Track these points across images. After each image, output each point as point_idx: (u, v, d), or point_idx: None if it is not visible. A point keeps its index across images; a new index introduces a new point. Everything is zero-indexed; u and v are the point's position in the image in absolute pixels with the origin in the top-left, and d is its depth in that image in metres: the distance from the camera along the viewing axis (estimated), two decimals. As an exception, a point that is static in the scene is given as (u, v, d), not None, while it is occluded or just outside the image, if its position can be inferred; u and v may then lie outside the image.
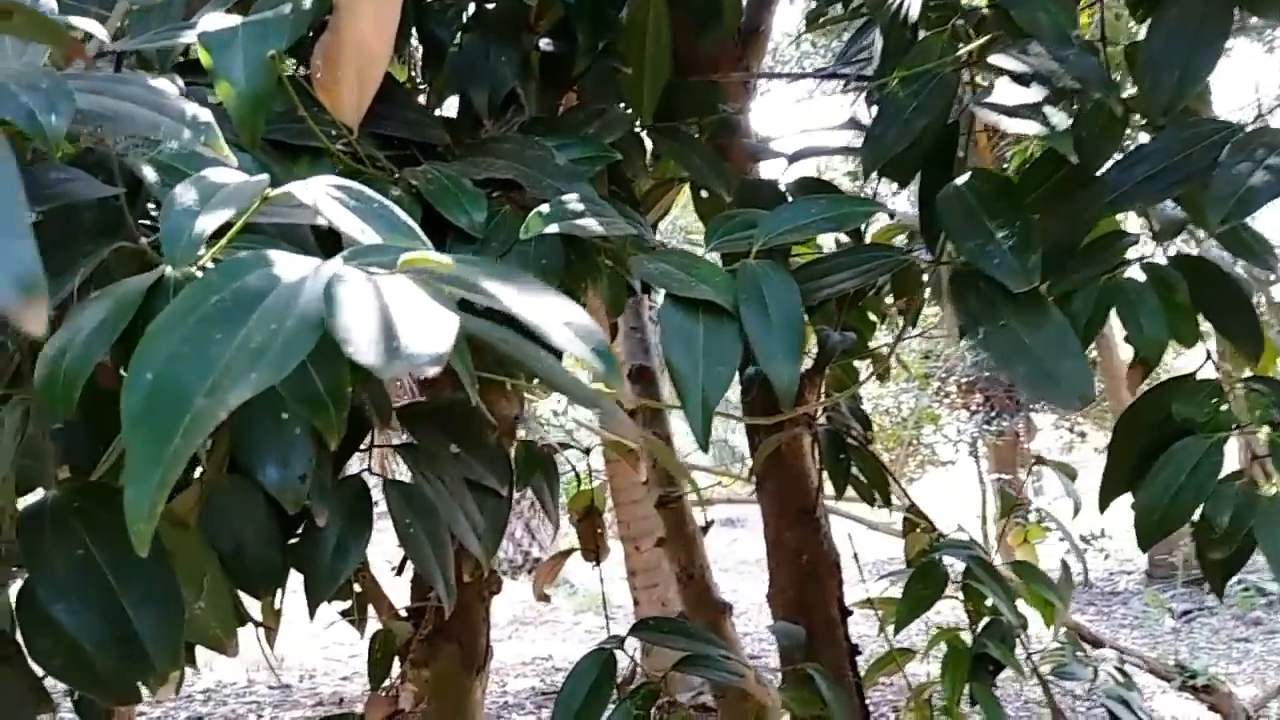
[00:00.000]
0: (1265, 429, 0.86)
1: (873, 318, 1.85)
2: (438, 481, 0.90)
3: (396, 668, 1.33)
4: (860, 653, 1.57)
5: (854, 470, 1.55)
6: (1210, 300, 0.94)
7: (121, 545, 0.55)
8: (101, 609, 0.54)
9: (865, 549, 1.78)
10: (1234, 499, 0.83)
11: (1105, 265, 0.94)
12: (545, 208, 0.74)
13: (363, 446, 0.92)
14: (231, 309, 0.28)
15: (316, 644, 11.76)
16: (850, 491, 1.66)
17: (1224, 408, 0.89)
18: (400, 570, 1.18)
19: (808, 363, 1.71)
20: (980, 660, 1.44)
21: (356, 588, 1.29)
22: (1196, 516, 0.86)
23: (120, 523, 0.58)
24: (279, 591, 1.29)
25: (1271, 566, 0.81)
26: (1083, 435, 14.66)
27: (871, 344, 1.91)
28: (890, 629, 1.60)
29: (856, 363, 1.95)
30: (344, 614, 1.25)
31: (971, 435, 11.95)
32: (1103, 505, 0.99)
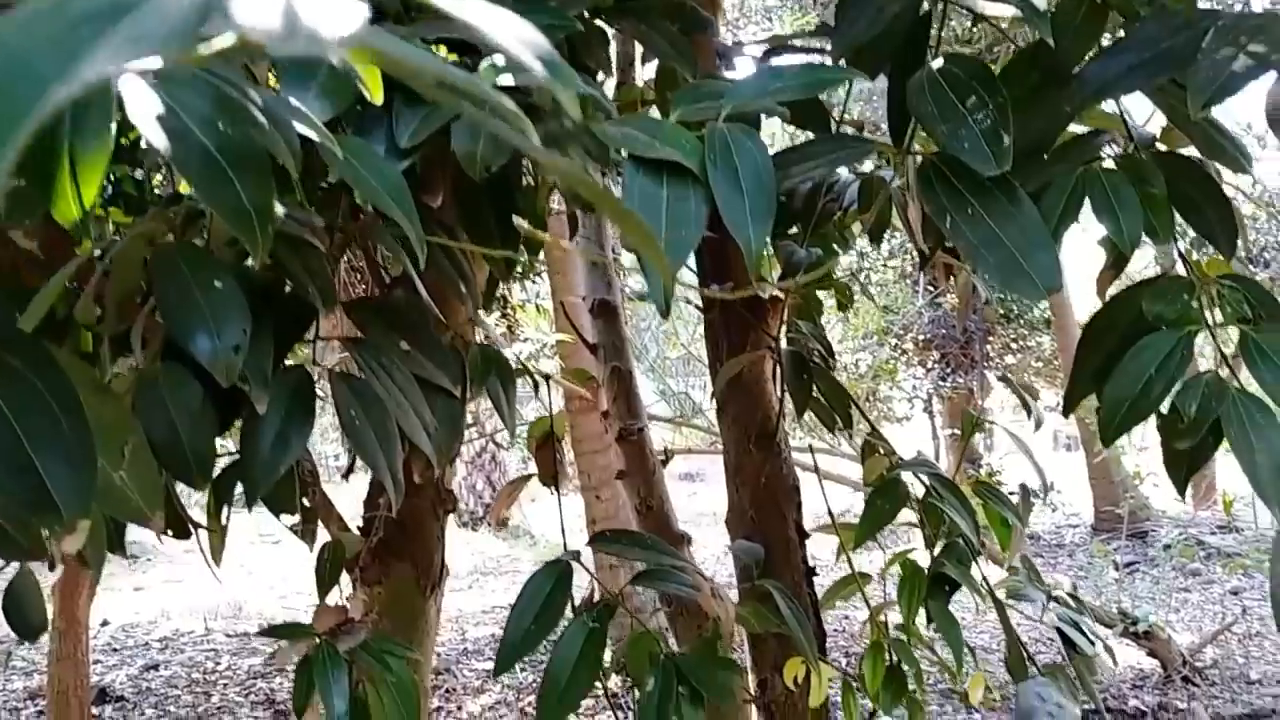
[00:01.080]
0: (1236, 326, 0.85)
1: (836, 249, 1.83)
2: (386, 377, 0.86)
3: (348, 584, 1.30)
4: (817, 574, 1.56)
5: (816, 393, 1.53)
6: (1187, 195, 0.93)
7: (28, 392, 0.51)
8: (3, 452, 0.49)
9: (817, 500, 1.75)
10: (1203, 388, 0.82)
11: (1080, 161, 0.92)
12: (498, 58, 0.69)
13: (306, 338, 0.88)
14: (106, 9, 0.24)
15: (275, 594, 11.74)
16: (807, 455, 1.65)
17: (1195, 304, 0.87)
18: (348, 474, 1.14)
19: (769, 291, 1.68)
20: (938, 580, 1.44)
21: (305, 502, 1.25)
22: (1165, 412, 0.85)
23: (28, 369, 0.54)
24: (226, 507, 1.25)
25: (1235, 454, 0.80)
26: (1035, 394, 14.94)
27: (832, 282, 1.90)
28: (850, 557, 1.59)
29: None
30: (292, 528, 1.22)
31: (927, 391, 12.12)
32: (1067, 409, 0.98)
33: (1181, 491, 0.89)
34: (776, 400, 1.63)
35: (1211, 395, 0.81)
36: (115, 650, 8.63)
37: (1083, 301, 14.89)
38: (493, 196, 0.90)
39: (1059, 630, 1.55)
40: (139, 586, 12.17)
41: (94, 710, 5.67)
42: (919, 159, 0.86)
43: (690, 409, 9.58)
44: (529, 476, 1.66)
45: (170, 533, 1.22)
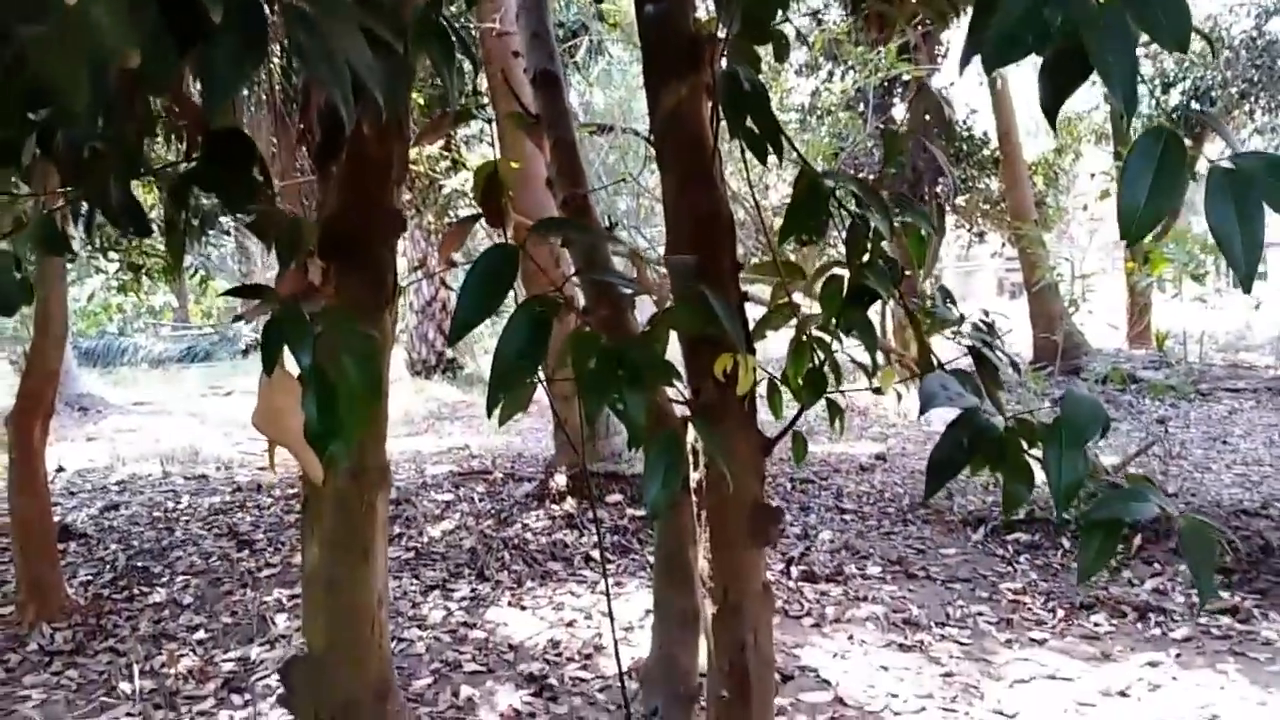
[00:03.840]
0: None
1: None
2: (330, 16, 0.90)
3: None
4: (750, 299, 1.67)
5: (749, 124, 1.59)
6: None
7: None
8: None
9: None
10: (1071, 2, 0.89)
11: None
12: None
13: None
14: None
15: (229, 440, 11.85)
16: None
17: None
18: (302, 140, 1.20)
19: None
20: (858, 292, 1.55)
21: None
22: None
23: None
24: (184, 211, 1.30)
25: (1091, 58, 0.88)
26: (981, 236, 15.21)
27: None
28: (787, 289, 1.70)
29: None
30: (249, 225, 1.28)
31: (876, 232, 12.29)
32: (963, 66, 1.05)
33: (1052, 121, 0.97)
34: (712, 138, 1.70)
35: (1077, 8, 0.88)
36: (73, 494, 8.75)
37: (1031, 145, 15.04)
38: None
39: (970, 348, 1.69)
40: (91, 436, 12.24)
41: (59, 546, 5.79)
42: None
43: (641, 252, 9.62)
44: (476, 216, 1.72)
45: (133, 230, 1.28)
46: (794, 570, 5.68)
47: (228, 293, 1.33)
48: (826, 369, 1.54)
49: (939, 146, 10.37)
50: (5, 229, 1.24)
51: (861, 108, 11.03)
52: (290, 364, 1.16)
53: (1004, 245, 15.60)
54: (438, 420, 13.11)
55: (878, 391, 1.55)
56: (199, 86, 1.03)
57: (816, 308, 1.63)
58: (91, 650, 4.84)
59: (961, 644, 4.54)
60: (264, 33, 0.86)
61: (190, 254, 8.85)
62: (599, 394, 1.28)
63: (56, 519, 6.02)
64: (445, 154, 7.52)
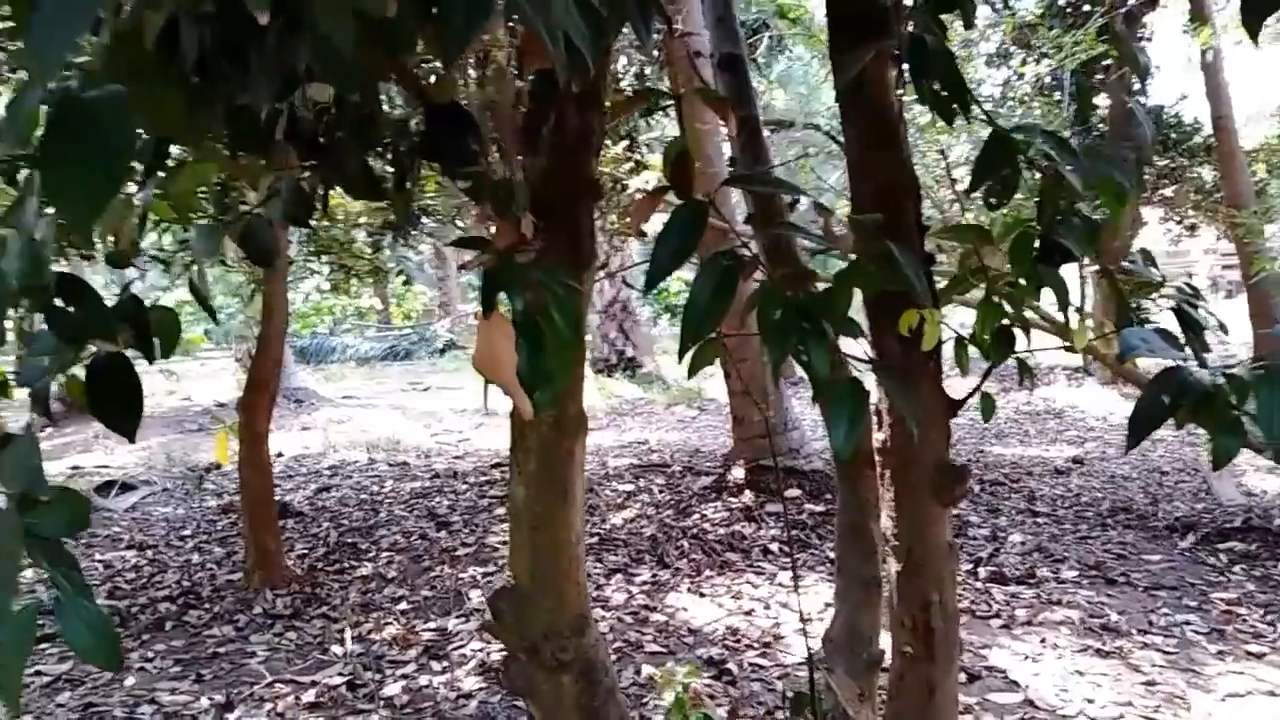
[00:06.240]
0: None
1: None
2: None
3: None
4: (935, 262, 1.67)
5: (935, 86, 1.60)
6: None
7: None
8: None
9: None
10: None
11: None
12: None
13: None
14: None
15: (428, 431, 12.56)
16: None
17: None
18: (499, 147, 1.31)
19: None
20: (1050, 249, 1.53)
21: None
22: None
23: None
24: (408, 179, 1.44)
25: None
26: (1192, 229, 14.12)
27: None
28: (979, 251, 1.69)
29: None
30: (466, 190, 1.41)
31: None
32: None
33: (1254, 34, 0.93)
34: (897, 103, 1.72)
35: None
36: (290, 477, 9.54)
37: (1247, 130, 13.82)
38: None
39: (1175, 308, 1.63)
40: (306, 426, 13.28)
41: (279, 522, 6.34)
42: None
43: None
44: (666, 189, 1.80)
45: (368, 195, 1.43)
46: (982, 571, 5.50)
47: (452, 243, 1.47)
48: (1015, 328, 1.53)
49: (1133, 98, 9.63)
50: (259, 199, 1.43)
51: (1058, 96, 10.50)
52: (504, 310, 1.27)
53: (1218, 239, 14.41)
54: (618, 416, 13.44)
55: (1070, 349, 1.52)
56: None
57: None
58: (308, 615, 5.27)
59: (1166, 653, 4.27)
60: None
61: (393, 259, 9.46)
62: (782, 342, 1.33)
63: (277, 498, 6.58)
64: (629, 155, 7.70)
